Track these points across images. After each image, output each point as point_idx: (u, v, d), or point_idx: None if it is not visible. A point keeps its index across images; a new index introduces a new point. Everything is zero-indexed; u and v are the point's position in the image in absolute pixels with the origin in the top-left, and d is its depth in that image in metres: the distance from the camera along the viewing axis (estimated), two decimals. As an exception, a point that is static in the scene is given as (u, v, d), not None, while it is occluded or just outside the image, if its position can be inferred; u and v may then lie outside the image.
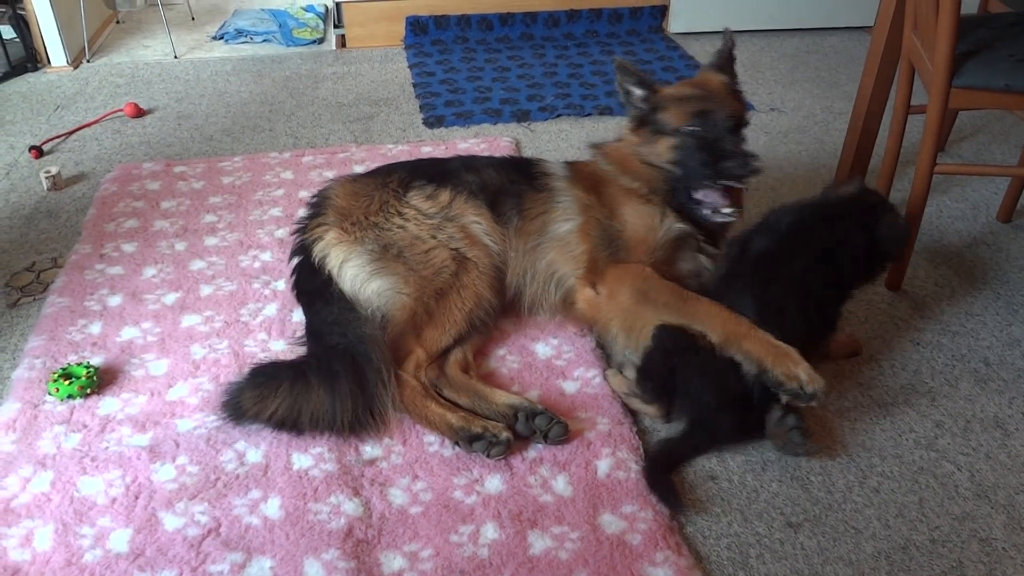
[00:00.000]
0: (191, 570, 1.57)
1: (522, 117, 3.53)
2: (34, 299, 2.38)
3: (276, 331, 2.21)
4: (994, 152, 3.23)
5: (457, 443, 1.83)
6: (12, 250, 2.62)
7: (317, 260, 2.13)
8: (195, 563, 1.59)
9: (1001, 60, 2.15)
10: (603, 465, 1.79)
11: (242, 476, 1.77)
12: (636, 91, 2.21)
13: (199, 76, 4.04)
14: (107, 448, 1.84)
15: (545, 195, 2.24)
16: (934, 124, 2.21)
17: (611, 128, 3.44)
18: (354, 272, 2.09)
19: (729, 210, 2.07)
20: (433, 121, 3.51)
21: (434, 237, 2.13)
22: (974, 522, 1.70)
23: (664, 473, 1.78)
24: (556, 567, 1.58)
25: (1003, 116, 3.48)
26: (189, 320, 2.25)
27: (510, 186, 2.26)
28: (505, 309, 2.22)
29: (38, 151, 3.21)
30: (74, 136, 3.39)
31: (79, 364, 2.03)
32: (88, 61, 4.19)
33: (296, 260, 2.21)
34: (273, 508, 1.70)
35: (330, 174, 2.96)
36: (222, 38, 4.52)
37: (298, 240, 2.23)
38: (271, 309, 2.29)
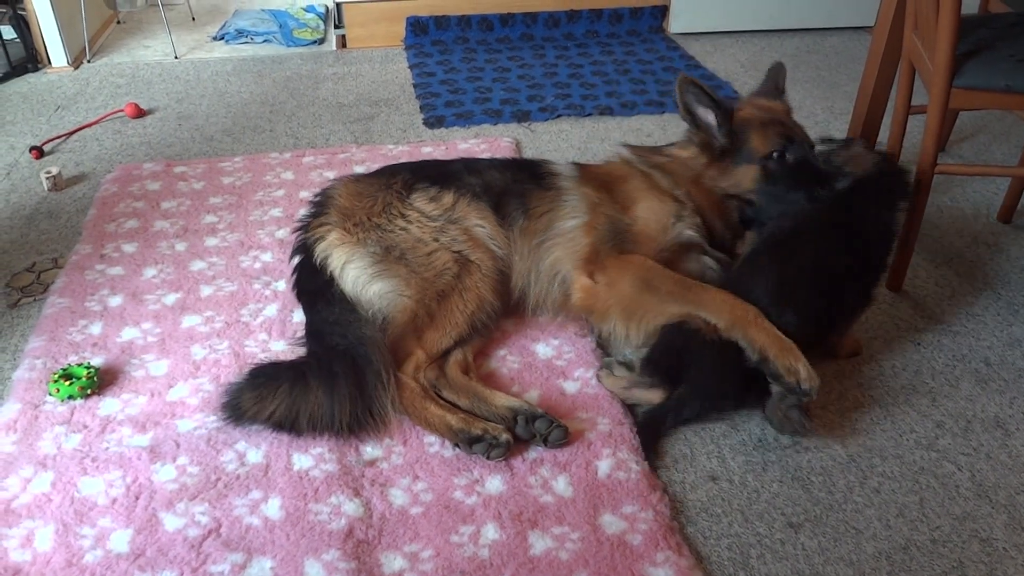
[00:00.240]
0: (191, 570, 1.57)
1: (522, 117, 3.53)
2: (34, 300, 2.38)
3: (277, 332, 2.21)
4: (994, 152, 3.23)
5: (457, 445, 1.82)
6: (12, 250, 2.62)
7: (319, 260, 2.13)
8: (196, 563, 1.58)
9: (1002, 60, 2.15)
10: (604, 465, 1.79)
11: (243, 476, 1.77)
12: (706, 114, 2.15)
13: (199, 76, 4.04)
14: (107, 449, 1.84)
15: (552, 193, 2.23)
16: (935, 124, 2.21)
17: (612, 128, 3.44)
18: (356, 274, 2.09)
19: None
20: (433, 121, 3.51)
21: (437, 240, 2.13)
22: (975, 522, 1.70)
23: (653, 434, 1.86)
24: (557, 567, 1.58)
25: (1004, 116, 3.48)
26: (189, 320, 2.25)
27: (515, 186, 2.25)
28: (507, 310, 2.22)
29: (39, 151, 3.21)
30: (75, 136, 3.39)
31: (79, 365, 2.03)
32: (88, 61, 4.19)
33: (297, 259, 2.21)
34: (274, 508, 1.70)
35: (330, 174, 2.96)
36: (222, 38, 4.52)
37: (299, 239, 2.23)
38: (271, 310, 2.29)
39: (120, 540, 1.63)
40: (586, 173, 2.30)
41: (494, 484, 1.75)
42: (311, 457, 1.81)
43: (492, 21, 4.45)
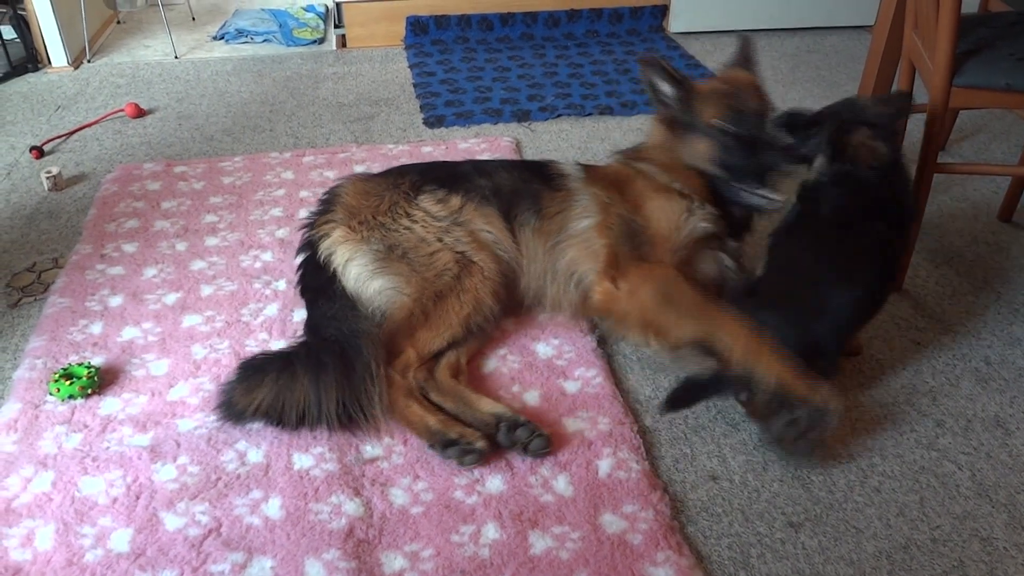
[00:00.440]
0: (192, 570, 1.57)
1: (522, 117, 3.53)
2: (35, 299, 2.38)
3: (277, 331, 2.21)
4: (995, 151, 3.23)
5: (432, 446, 1.81)
6: (13, 250, 2.62)
7: (323, 257, 2.13)
8: (196, 563, 1.59)
9: (1002, 59, 2.15)
10: (604, 465, 1.79)
11: (243, 476, 1.77)
12: (666, 88, 2.19)
13: (200, 76, 4.04)
14: (108, 448, 1.84)
15: (563, 194, 2.23)
16: (935, 123, 2.21)
17: (612, 128, 3.44)
18: (358, 271, 2.09)
19: (775, 196, 2.08)
20: (433, 121, 3.51)
21: (440, 240, 2.13)
22: (975, 521, 1.70)
23: (689, 397, 1.90)
24: (557, 567, 1.58)
25: (1004, 115, 3.48)
26: (190, 320, 2.25)
27: (525, 187, 2.25)
28: (508, 310, 2.22)
29: (39, 151, 3.21)
30: (75, 136, 3.39)
31: (80, 364, 2.03)
32: (89, 61, 4.19)
33: (303, 256, 2.21)
34: (274, 508, 1.70)
35: (331, 174, 2.96)
36: (222, 38, 4.52)
37: (306, 236, 2.23)
38: (272, 309, 2.29)
39: (120, 539, 1.63)
40: (593, 173, 2.30)
41: (494, 484, 1.75)
42: (311, 456, 1.81)
43: (492, 20, 4.45)
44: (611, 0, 4.47)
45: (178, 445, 1.85)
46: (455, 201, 2.21)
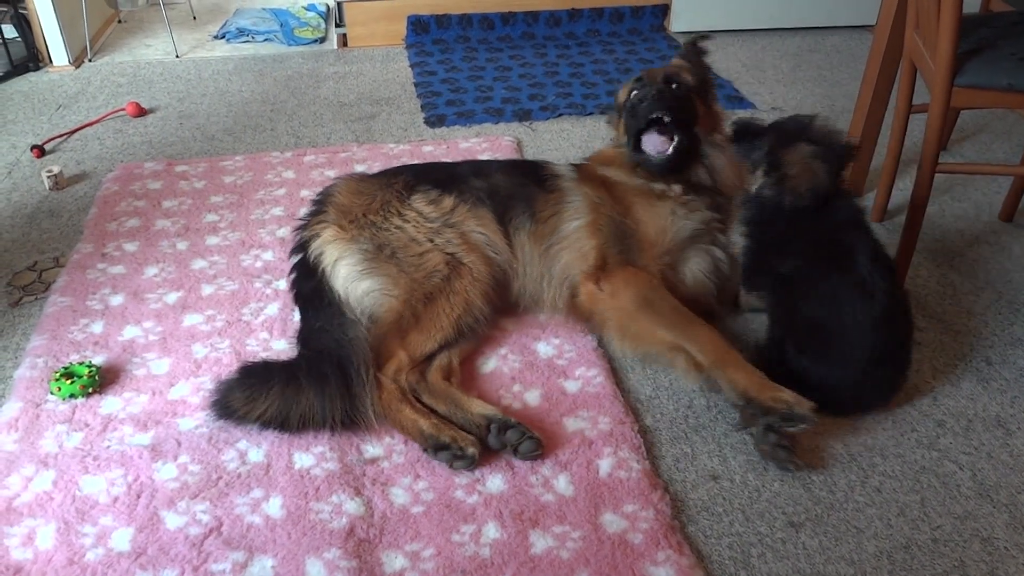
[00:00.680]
0: (193, 569, 1.57)
1: (524, 116, 3.53)
2: (36, 298, 2.38)
3: (278, 330, 2.21)
4: (996, 151, 3.23)
5: (425, 450, 1.81)
6: (14, 249, 2.62)
7: (313, 257, 2.13)
8: (197, 562, 1.59)
9: (1003, 59, 2.15)
10: (605, 464, 1.79)
11: (244, 475, 1.77)
12: (613, 99, 2.41)
13: (201, 75, 4.04)
14: (109, 447, 1.84)
15: (556, 195, 2.24)
16: (936, 123, 2.21)
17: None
18: (347, 271, 2.08)
19: (665, 147, 2.16)
20: (435, 120, 3.50)
21: (431, 240, 2.12)
22: (976, 521, 1.70)
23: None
24: (558, 566, 1.58)
25: (1005, 115, 3.47)
26: (191, 319, 2.25)
27: (520, 190, 2.25)
28: (507, 311, 2.22)
29: (40, 150, 3.21)
30: (76, 135, 3.39)
31: (81, 363, 2.03)
32: (90, 60, 4.19)
33: (296, 258, 2.21)
34: (275, 507, 1.70)
35: (332, 173, 2.96)
36: (224, 37, 4.52)
37: (298, 237, 2.23)
38: (273, 308, 2.29)
39: (121, 538, 1.63)
40: (583, 173, 2.31)
41: (495, 483, 1.75)
42: (312, 456, 1.81)
43: (493, 20, 4.45)
44: (612, -1, 4.48)
45: (179, 444, 1.85)
46: (448, 202, 2.21)
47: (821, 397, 1.80)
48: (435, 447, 1.79)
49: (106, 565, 1.58)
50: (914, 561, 1.61)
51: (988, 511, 1.72)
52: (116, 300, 2.33)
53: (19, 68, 3.98)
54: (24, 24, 3.97)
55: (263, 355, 2.11)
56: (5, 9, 3.96)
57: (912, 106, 2.53)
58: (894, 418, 1.96)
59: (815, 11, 4.51)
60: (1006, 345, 2.19)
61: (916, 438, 1.90)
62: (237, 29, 4.52)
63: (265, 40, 4.49)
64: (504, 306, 2.22)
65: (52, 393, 1.98)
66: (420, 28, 4.39)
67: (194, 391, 2.00)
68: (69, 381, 1.97)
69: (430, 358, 2.01)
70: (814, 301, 1.91)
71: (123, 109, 3.57)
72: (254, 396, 1.83)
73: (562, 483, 1.76)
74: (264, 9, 4.85)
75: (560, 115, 3.55)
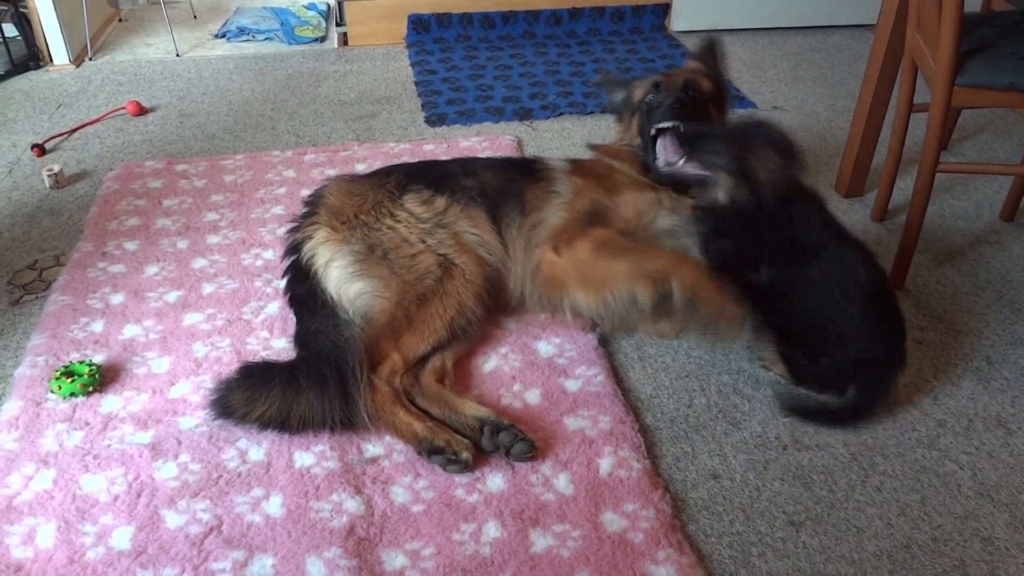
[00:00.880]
0: (193, 568, 1.58)
1: (524, 115, 3.53)
2: (36, 297, 2.38)
3: (278, 329, 2.21)
4: (997, 151, 3.23)
5: (420, 453, 1.81)
6: (14, 248, 2.62)
7: (305, 259, 2.12)
8: (197, 561, 1.59)
9: (1004, 58, 2.15)
10: (605, 463, 1.79)
11: (244, 474, 1.77)
12: (617, 92, 2.42)
13: (201, 74, 4.04)
14: (109, 446, 1.84)
15: (544, 184, 2.24)
16: (937, 122, 2.21)
17: (613, 126, 3.43)
18: (338, 273, 2.08)
19: (674, 159, 2.11)
20: (435, 119, 3.50)
21: (423, 241, 2.12)
22: (976, 521, 1.70)
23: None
24: (558, 565, 1.58)
25: (1006, 115, 3.47)
26: (191, 318, 2.25)
27: (510, 186, 2.24)
28: (508, 309, 2.22)
29: (40, 149, 3.21)
30: (76, 134, 3.39)
31: (81, 362, 2.03)
32: (90, 59, 4.19)
33: (289, 260, 2.20)
34: (275, 506, 1.70)
35: (332, 172, 2.96)
36: (224, 36, 4.52)
37: (291, 239, 2.23)
38: (273, 307, 2.29)
39: (122, 537, 1.63)
40: (579, 166, 2.31)
41: (495, 482, 1.75)
42: (312, 455, 1.81)
43: (494, 19, 4.45)
44: (613, -2, 4.48)
45: (179, 443, 1.85)
46: (440, 202, 2.20)
47: (866, 380, 1.91)
48: (429, 451, 1.79)
49: (106, 564, 1.58)
50: (914, 560, 1.61)
51: (989, 511, 1.72)
52: (116, 299, 2.33)
53: (20, 67, 3.98)
54: (25, 23, 3.97)
55: (263, 354, 2.11)
56: (5, 8, 3.96)
57: (913, 105, 2.53)
58: (894, 417, 1.96)
59: (816, 10, 4.50)
60: (1006, 345, 2.19)
61: (917, 437, 1.90)
62: (238, 28, 4.52)
63: (266, 39, 4.49)
64: (500, 307, 2.21)
65: (52, 392, 1.98)
66: (421, 27, 4.39)
67: (194, 390, 2.00)
68: (69, 380, 1.97)
69: (423, 360, 2.00)
70: (798, 303, 1.93)
71: (124, 108, 3.56)
72: (254, 396, 1.84)
73: (562, 482, 1.76)
74: (265, 8, 4.85)
75: (561, 114, 3.55)
